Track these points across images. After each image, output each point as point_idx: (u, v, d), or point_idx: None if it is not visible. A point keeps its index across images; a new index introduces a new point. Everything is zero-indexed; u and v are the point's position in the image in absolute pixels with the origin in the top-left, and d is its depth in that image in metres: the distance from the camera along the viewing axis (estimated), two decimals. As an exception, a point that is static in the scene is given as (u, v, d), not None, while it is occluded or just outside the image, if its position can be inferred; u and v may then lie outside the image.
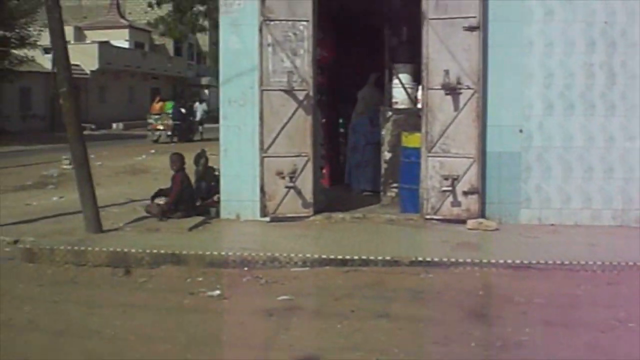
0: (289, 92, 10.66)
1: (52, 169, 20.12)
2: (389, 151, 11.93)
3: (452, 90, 10.53)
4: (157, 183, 16.36)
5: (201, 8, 40.30)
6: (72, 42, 52.81)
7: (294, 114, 10.72)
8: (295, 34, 10.69)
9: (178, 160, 11.33)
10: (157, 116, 34.98)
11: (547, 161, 10.83)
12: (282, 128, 10.70)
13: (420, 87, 11.89)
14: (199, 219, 10.89)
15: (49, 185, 17.19)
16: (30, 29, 36.77)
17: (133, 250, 8.98)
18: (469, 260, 8.72)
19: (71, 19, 58.43)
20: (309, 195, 10.88)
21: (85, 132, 43.68)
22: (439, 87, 10.60)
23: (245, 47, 10.92)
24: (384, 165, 12.01)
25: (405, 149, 11.37)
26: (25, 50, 36.71)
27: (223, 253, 8.91)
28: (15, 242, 10.05)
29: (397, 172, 11.80)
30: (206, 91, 63.89)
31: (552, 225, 10.77)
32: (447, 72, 10.43)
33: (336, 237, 9.94)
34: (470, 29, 10.49)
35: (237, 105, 11.02)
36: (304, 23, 10.70)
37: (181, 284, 8.37)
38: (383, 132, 12.01)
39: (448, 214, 10.76)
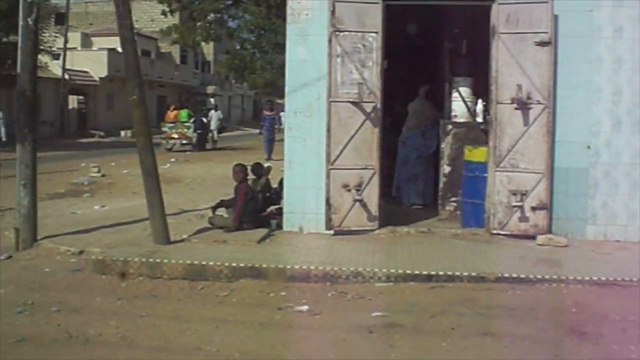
0: (357, 103, 10.54)
1: (81, 176, 19.97)
2: (448, 165, 11.81)
3: (522, 105, 10.43)
4: (196, 193, 16.40)
5: (215, 16, 40.32)
6: (79, 48, 52.80)
7: (361, 126, 10.60)
8: (364, 45, 10.57)
9: (241, 172, 11.17)
10: (171, 124, 34.79)
11: (614, 178, 10.73)
12: (349, 140, 10.58)
13: (479, 101, 11.82)
14: (264, 231, 10.74)
15: (84, 193, 17.06)
16: (46, 34, 36.60)
17: (211, 263, 8.82)
18: (555, 276, 8.61)
19: (77, 25, 58.42)
20: (374, 209, 10.75)
21: (95, 140, 43.86)
22: (509, 101, 10.49)
23: (312, 58, 10.80)
24: (442, 179, 11.89)
25: (469, 163, 11.25)
26: (40, 57, 36.49)
27: (304, 267, 8.74)
28: (81, 252, 9.88)
29: (456, 186, 11.68)
30: (212, 99, 63.75)
31: (618, 241, 10.67)
32: (519, 86, 10.32)
33: (410, 251, 9.80)
34: (542, 44, 10.39)
35: (302, 117, 10.90)
36: (373, 34, 10.59)
37: (265, 298, 8.22)
38: (442, 146, 11.89)
39: (515, 230, 10.64)
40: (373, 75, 10.63)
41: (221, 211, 11.29)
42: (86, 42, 56.65)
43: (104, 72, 51.45)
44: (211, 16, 40.03)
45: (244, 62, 38.47)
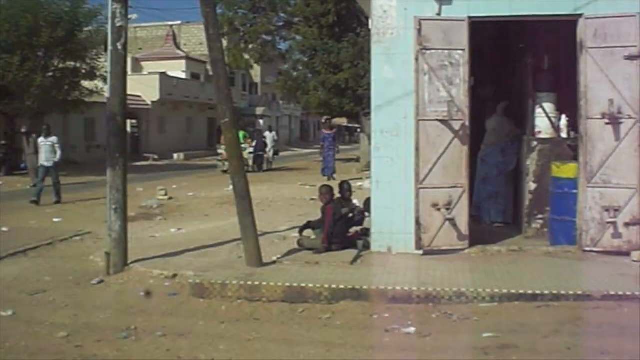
0: (445, 122, 10.46)
1: (148, 200, 20.06)
2: (534, 182, 11.64)
3: (614, 119, 10.27)
4: (270, 214, 16.35)
5: (267, 38, 40.56)
6: (130, 72, 53.33)
7: (449, 144, 10.52)
8: (451, 63, 10.50)
9: (328, 193, 11.15)
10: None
11: None
12: (438, 159, 10.49)
13: (562, 116, 11.65)
14: (353, 252, 10.65)
15: (156, 216, 17.13)
16: (102, 59, 37.03)
17: (310, 285, 8.76)
18: (663, 294, 8.42)
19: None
20: (464, 228, 10.65)
21: (149, 163, 44.10)
22: (599, 116, 10.34)
23: (398, 77, 10.75)
24: (528, 196, 11.72)
25: (558, 180, 11.08)
26: (96, 82, 36.87)
27: (406, 288, 8.65)
28: (174, 276, 9.88)
29: (543, 203, 11.51)
30: (260, 121, 64.04)
31: None
32: (611, 101, 10.17)
33: (508, 270, 9.64)
34: (631, 57, 10.24)
35: (389, 136, 10.83)
36: (460, 52, 10.52)
37: (368, 320, 8.15)
38: (527, 162, 11.73)
39: (608, 246, 10.44)
40: (460, 93, 10.55)
41: (307, 232, 11.25)
42: (136, 67, 57.28)
43: (156, 96, 51.94)
44: (262, 38, 40.33)
45: (297, 82, 38.57)
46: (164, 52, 60.88)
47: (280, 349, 7.21)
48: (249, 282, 8.92)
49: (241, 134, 35.82)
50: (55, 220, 16.74)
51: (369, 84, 33.65)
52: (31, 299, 9.28)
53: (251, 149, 34.53)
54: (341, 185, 12.04)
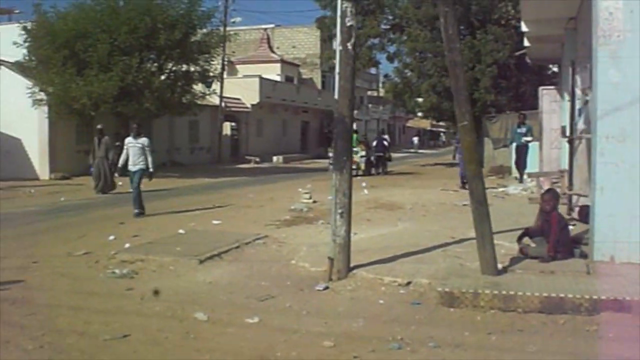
0: (677, 128, 10.05)
1: (295, 203, 20.01)
2: None
3: None
4: (435, 220, 16.10)
5: (375, 41, 40.44)
6: (226, 76, 53.85)
7: (682, 149, 10.10)
8: (685, 66, 10.09)
9: (552, 199, 10.83)
10: (339, 150, 34.77)
11: None
12: (672, 165, 10.08)
13: None
14: (579, 261, 10.33)
15: (315, 220, 16.98)
16: (214, 62, 37.36)
17: (570, 296, 8.44)
18: None
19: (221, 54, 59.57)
20: (695, 237, 10.21)
21: (251, 165, 44.48)
22: None
23: (625, 81, 10.35)
24: None
25: None
26: (196, 86, 37.10)
27: (674, 300, 8.28)
28: (408, 283, 9.68)
29: None
30: (354, 124, 63.93)
31: None
32: None
33: None
34: None
35: (614, 142, 10.42)
36: (694, 54, 10.10)
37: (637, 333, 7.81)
38: None
39: None
40: (696, 97, 10.12)
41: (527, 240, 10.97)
42: (231, 70, 57.72)
43: (255, 99, 52.29)
44: (371, 41, 40.23)
45: (408, 85, 38.42)
46: (258, 55, 61.29)
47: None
48: (503, 292, 8.63)
49: (353, 137, 35.74)
50: (215, 222, 16.76)
51: (486, 88, 33.55)
52: (264, 304, 9.16)
53: (363, 153, 34.38)
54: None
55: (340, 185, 10.06)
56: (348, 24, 10.05)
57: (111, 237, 14.41)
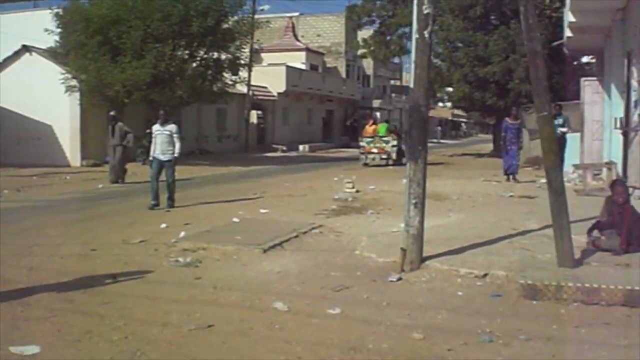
0: None
1: (338, 193, 19.88)
2: None
3: None
4: (488, 211, 15.92)
5: (406, 30, 40.20)
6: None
7: None
8: None
9: (624, 192, 10.63)
10: (369, 139, 34.69)
11: None
12: None
13: None
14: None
15: (363, 210, 16.85)
16: (245, 50, 37.23)
17: (656, 291, 8.28)
18: None
19: (247, 42, 59.42)
20: None
21: (279, 154, 44.52)
22: None
23: None
24: None
25: None
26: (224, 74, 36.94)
27: None
28: (484, 275, 9.53)
29: None
30: (377, 113, 63.66)
31: None
32: None
33: None
34: None
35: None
36: None
37: None
38: None
39: None
40: None
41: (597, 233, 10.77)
42: (256, 59, 57.54)
43: (282, 88, 52.15)
44: (401, 30, 40.00)
45: (439, 75, 38.14)
46: (284, 43, 61.07)
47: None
48: (587, 285, 8.48)
49: (383, 127, 35.60)
50: (262, 211, 16.67)
51: (520, 78, 32.81)
52: (341, 295, 9.01)
53: (395, 142, 34.23)
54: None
55: (415, 175, 9.88)
56: (425, 11, 9.92)
57: (163, 225, 14.33)
